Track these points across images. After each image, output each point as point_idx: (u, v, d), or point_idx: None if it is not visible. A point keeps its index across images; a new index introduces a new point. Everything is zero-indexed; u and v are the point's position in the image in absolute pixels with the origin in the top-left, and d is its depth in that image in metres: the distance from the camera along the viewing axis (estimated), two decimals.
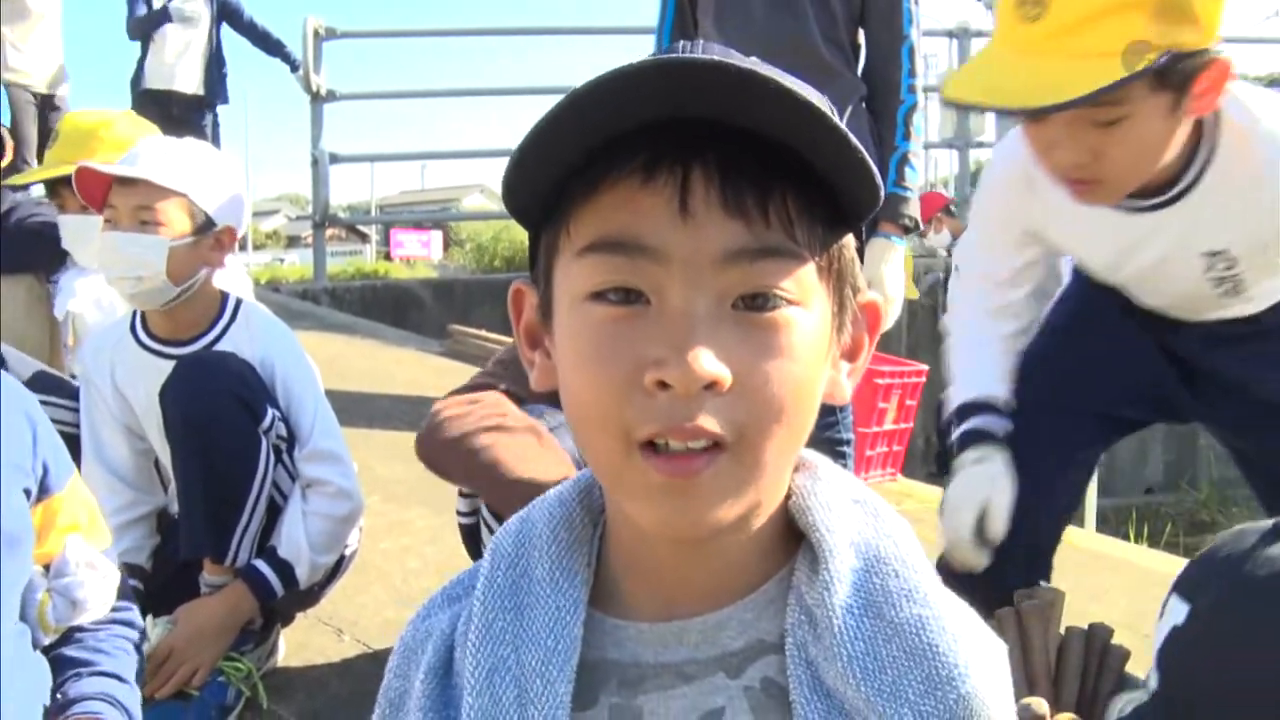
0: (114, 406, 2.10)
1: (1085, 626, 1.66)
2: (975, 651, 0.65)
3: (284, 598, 2.03)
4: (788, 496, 0.70)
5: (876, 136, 2.30)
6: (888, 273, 2.24)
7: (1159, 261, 1.56)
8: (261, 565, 1.99)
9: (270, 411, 2.00)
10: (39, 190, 5.17)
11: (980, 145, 7.28)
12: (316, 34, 6.21)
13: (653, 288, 0.62)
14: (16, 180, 3.51)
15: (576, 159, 0.63)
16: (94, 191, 2.01)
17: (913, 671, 0.63)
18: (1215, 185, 1.45)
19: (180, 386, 1.94)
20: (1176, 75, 1.32)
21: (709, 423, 0.60)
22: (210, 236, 2.03)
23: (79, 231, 2.55)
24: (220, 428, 1.94)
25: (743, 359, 0.61)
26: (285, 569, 2.00)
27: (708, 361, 0.59)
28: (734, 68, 0.58)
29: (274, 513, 2.03)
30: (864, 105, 2.34)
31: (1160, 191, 1.47)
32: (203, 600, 1.98)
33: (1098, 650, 1.63)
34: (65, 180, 2.53)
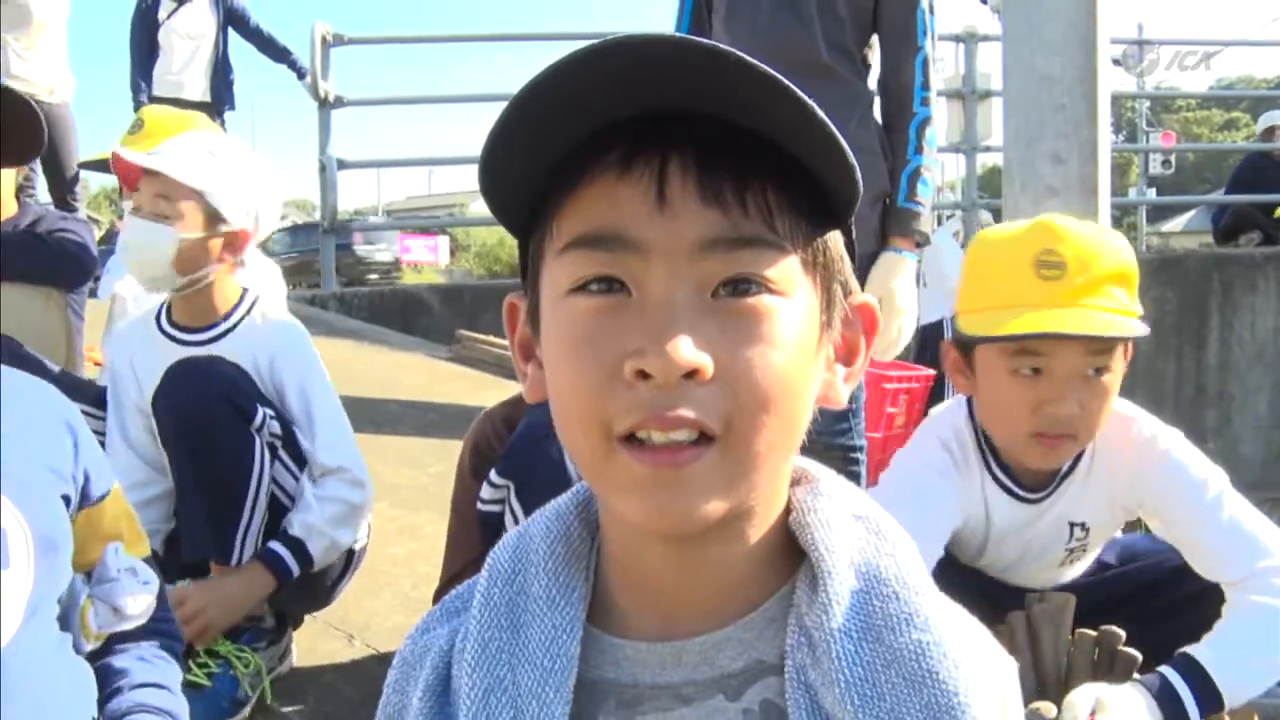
0: (131, 389, 2.17)
1: (1095, 631, 1.66)
2: (977, 678, 0.63)
3: (296, 593, 2.06)
4: (788, 512, 0.69)
5: (888, 149, 2.27)
6: (899, 288, 2.21)
7: (1030, 547, 1.78)
8: (275, 545, 2.02)
9: (260, 410, 2.02)
10: (44, 196, 5.21)
11: (988, 150, 7.26)
12: (324, 40, 6.22)
13: (633, 279, 0.61)
14: (99, 158, 3.56)
15: (553, 152, 0.62)
16: (131, 178, 2.13)
17: (912, 699, 0.62)
18: (1087, 473, 1.72)
19: (170, 393, 1.98)
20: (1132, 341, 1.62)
21: (691, 412, 0.59)
22: (222, 235, 2.10)
23: None
24: (212, 430, 1.96)
25: (724, 347, 0.60)
26: (299, 546, 2.02)
27: (686, 349, 0.59)
28: (684, 41, 0.57)
29: (276, 512, 2.05)
30: (875, 116, 2.31)
31: (1048, 483, 1.72)
32: (222, 572, 2.01)
33: (1108, 655, 1.63)
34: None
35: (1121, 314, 1.58)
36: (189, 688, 1.88)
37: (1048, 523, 1.74)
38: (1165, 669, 1.50)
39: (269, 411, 2.04)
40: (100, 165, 3.36)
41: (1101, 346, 1.57)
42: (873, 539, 0.68)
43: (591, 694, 0.66)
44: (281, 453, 2.06)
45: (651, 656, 0.66)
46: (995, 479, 1.72)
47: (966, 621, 0.68)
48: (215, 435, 1.96)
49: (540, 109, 0.60)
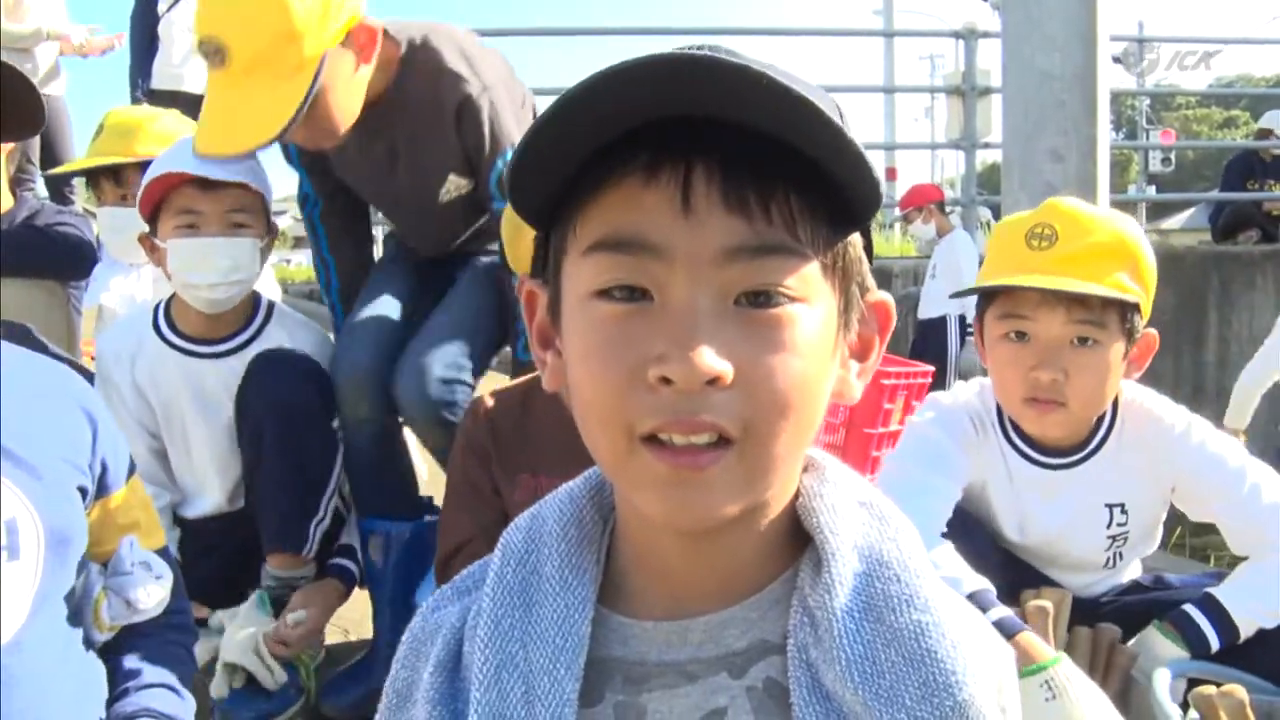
0: (131, 404, 2.10)
1: (1091, 627, 1.66)
2: (974, 658, 0.65)
3: None
4: (795, 497, 0.70)
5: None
6: None
7: (1068, 520, 1.79)
8: (347, 563, 2.11)
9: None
10: (41, 191, 5.19)
11: (987, 146, 7.26)
12: None
13: (656, 284, 0.62)
14: (61, 170, 3.52)
15: (580, 159, 0.64)
16: (150, 197, 2.01)
17: (910, 677, 0.63)
18: (1115, 449, 1.77)
19: (268, 383, 1.98)
20: (1133, 326, 1.66)
21: (712, 417, 0.61)
22: (270, 231, 2.10)
23: (116, 222, 2.55)
24: (309, 424, 1.99)
25: (745, 355, 0.62)
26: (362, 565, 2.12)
27: (709, 357, 0.60)
28: (726, 63, 0.58)
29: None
30: None
31: (1074, 453, 1.77)
32: (318, 586, 2.06)
33: (1104, 651, 1.63)
34: (106, 172, 2.59)
35: (1114, 289, 1.61)
36: (255, 680, 1.93)
37: (1082, 499, 1.78)
38: (1186, 605, 1.66)
39: None
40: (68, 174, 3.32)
41: (1083, 315, 1.63)
42: (876, 524, 0.70)
43: (600, 671, 0.68)
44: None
45: (658, 635, 0.69)
46: (1013, 445, 1.78)
47: (965, 607, 0.70)
48: (311, 430, 2.00)
49: (576, 118, 0.61)
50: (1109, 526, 1.79)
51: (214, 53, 1.72)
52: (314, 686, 2.03)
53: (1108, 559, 1.82)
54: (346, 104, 1.92)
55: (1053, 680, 1.37)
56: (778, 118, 0.60)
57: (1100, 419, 1.77)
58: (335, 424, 2.06)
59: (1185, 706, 1.50)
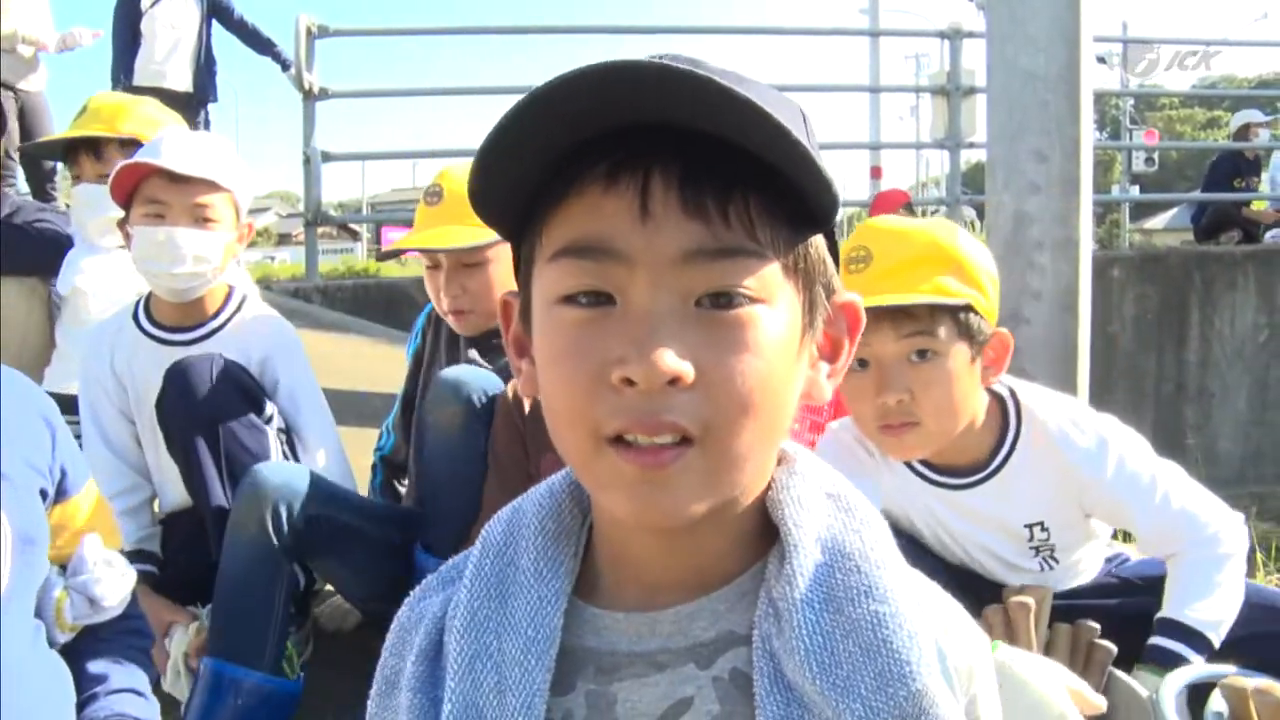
0: (112, 392, 2.14)
1: (1071, 623, 1.67)
2: (931, 649, 0.66)
3: None
4: (766, 490, 0.71)
5: None
6: None
7: (989, 538, 1.79)
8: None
9: (268, 403, 2.05)
10: (22, 187, 5.17)
11: (971, 146, 7.29)
12: (309, 32, 6.18)
13: (618, 288, 0.64)
14: (44, 140, 3.53)
15: (537, 168, 0.65)
16: (122, 185, 2.05)
17: (866, 667, 0.64)
18: (1021, 467, 1.72)
19: (178, 395, 1.96)
20: (971, 328, 1.61)
21: (674, 417, 0.62)
22: (241, 230, 2.14)
23: (93, 201, 2.56)
24: (228, 426, 1.97)
25: (706, 356, 0.63)
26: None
27: (669, 358, 0.61)
28: (672, 69, 0.59)
29: None
30: None
31: (975, 472, 1.74)
32: None
33: (1083, 647, 1.64)
34: (87, 149, 2.61)
35: (932, 294, 1.58)
36: None
37: (994, 517, 1.76)
38: (1152, 640, 1.64)
39: (273, 405, 2.08)
40: (48, 150, 3.32)
41: (911, 328, 1.58)
42: (842, 515, 0.71)
43: (573, 661, 0.70)
44: (285, 445, 2.10)
45: (629, 626, 0.70)
46: (912, 469, 1.76)
47: (938, 597, 0.71)
48: (232, 432, 1.97)
49: (532, 124, 0.62)
50: (1030, 540, 1.78)
51: (435, 194, 2.10)
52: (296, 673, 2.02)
53: (1040, 565, 1.80)
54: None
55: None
56: (720, 120, 0.61)
57: (1002, 435, 1.73)
58: (265, 416, 2.04)
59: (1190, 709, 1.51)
